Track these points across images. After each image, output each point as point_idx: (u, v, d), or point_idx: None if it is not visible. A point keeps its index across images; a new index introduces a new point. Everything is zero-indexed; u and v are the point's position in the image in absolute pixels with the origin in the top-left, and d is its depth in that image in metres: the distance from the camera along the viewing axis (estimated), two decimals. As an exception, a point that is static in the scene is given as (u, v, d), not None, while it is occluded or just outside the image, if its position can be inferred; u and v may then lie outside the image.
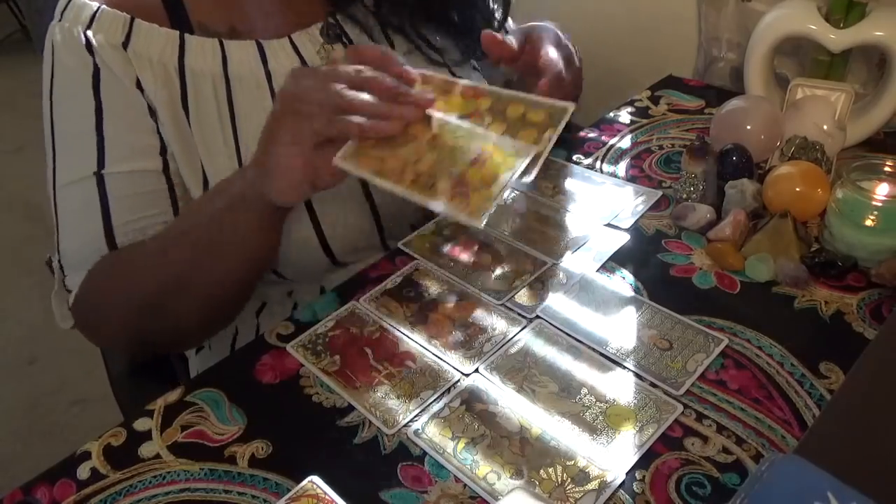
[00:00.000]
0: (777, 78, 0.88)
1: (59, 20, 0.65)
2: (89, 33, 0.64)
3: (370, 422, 0.53)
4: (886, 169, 0.64)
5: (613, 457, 0.48)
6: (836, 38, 0.78)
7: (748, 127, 0.74)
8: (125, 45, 0.64)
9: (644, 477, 0.47)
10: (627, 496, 0.46)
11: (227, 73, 0.67)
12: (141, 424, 0.54)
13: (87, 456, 0.52)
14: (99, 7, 0.65)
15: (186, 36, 0.66)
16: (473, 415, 0.52)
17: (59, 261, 0.67)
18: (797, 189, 0.66)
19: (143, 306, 0.63)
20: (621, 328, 0.58)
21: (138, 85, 0.65)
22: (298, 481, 0.48)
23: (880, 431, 0.44)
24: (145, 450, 0.52)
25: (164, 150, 0.66)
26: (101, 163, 0.63)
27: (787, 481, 0.40)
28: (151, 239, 0.64)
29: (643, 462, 0.48)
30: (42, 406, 1.69)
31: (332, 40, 0.71)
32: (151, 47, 0.65)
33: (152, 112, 0.65)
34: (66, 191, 0.65)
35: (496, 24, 0.79)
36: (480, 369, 0.56)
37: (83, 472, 0.51)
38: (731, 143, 0.72)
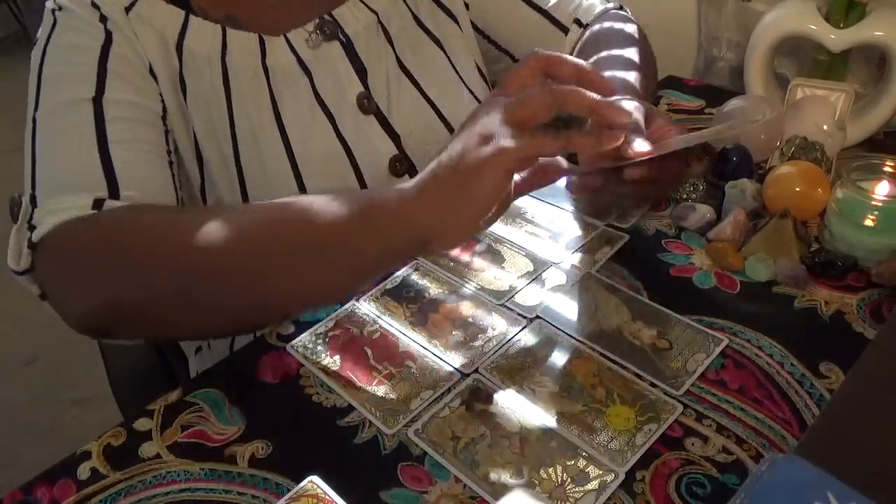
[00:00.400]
0: (777, 77, 0.88)
1: None
2: None
3: (370, 422, 0.53)
4: (886, 169, 0.64)
5: (613, 457, 0.48)
6: (835, 38, 0.78)
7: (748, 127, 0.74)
8: (128, 10, 0.64)
9: (644, 477, 0.47)
10: (627, 496, 0.46)
11: (223, 60, 0.67)
12: (141, 424, 0.54)
13: (87, 456, 0.52)
14: None
15: (191, 16, 0.66)
16: (473, 415, 0.52)
17: (33, 193, 0.58)
18: (797, 189, 0.66)
19: (167, 283, 0.53)
20: (621, 328, 0.58)
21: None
22: (298, 481, 0.48)
23: (880, 431, 0.44)
24: (145, 450, 0.52)
25: (162, 99, 0.66)
26: (100, 90, 0.61)
27: (787, 481, 0.40)
28: (218, 214, 0.54)
29: (643, 462, 0.48)
30: (42, 406, 1.69)
31: (328, 38, 0.71)
32: (154, 19, 0.65)
33: (152, 72, 0.65)
34: (54, 113, 0.61)
35: None
36: (480, 369, 0.56)
37: (83, 472, 0.51)
38: (731, 143, 0.72)
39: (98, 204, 0.57)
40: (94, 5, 0.64)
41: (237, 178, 0.69)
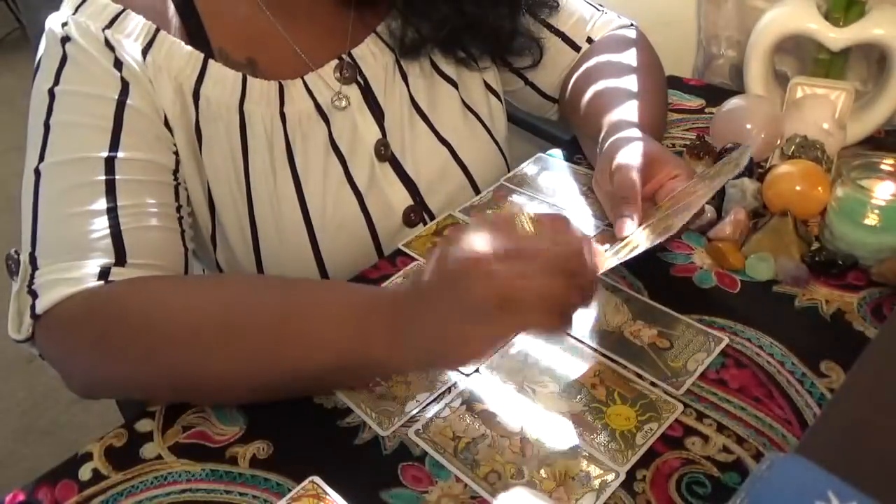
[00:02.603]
0: (777, 76, 0.88)
1: (74, 13, 0.61)
2: (108, 32, 0.61)
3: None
4: (887, 167, 0.64)
5: (613, 456, 0.48)
6: (835, 37, 0.78)
7: (748, 126, 0.74)
8: (145, 52, 0.62)
9: (644, 476, 0.47)
10: (628, 496, 0.46)
11: (241, 108, 0.65)
12: (142, 425, 0.54)
13: (88, 457, 0.52)
14: (124, 9, 0.62)
15: (210, 61, 0.64)
16: (473, 415, 0.52)
17: (33, 252, 0.56)
18: (797, 188, 0.66)
19: (148, 371, 0.54)
20: (621, 328, 0.58)
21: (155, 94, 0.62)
22: (299, 482, 0.48)
23: (881, 430, 0.44)
24: (147, 450, 0.52)
25: (177, 152, 0.64)
26: (114, 149, 0.59)
27: (788, 480, 0.40)
28: (207, 299, 0.54)
29: (643, 461, 0.48)
30: (42, 405, 1.69)
31: (347, 81, 0.70)
32: (172, 63, 0.62)
33: (166, 121, 0.63)
34: (62, 168, 0.58)
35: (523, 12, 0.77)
36: (480, 369, 0.56)
37: (85, 473, 0.51)
38: (731, 143, 0.72)
39: (104, 273, 0.55)
40: (109, 45, 0.60)
41: (249, 226, 0.67)
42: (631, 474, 0.47)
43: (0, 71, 3.09)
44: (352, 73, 0.70)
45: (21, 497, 0.50)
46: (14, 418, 1.66)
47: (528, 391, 0.53)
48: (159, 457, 0.52)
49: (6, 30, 3.50)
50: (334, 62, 0.70)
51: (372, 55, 0.72)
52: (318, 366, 0.51)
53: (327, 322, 0.50)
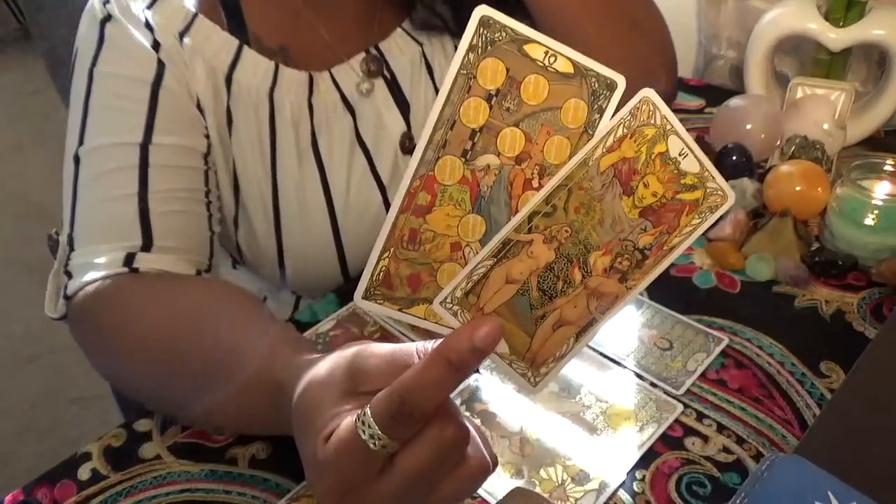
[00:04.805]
0: (777, 77, 0.88)
1: None
2: (148, 13, 0.62)
3: (370, 422, 0.53)
4: (887, 168, 0.64)
5: (613, 457, 0.48)
6: (835, 37, 0.78)
7: (748, 126, 0.74)
8: (182, 35, 0.63)
9: (644, 477, 0.47)
10: (627, 496, 0.46)
11: (272, 96, 0.66)
12: (141, 425, 0.54)
13: (87, 457, 0.52)
14: None
15: (244, 48, 0.65)
16: (473, 415, 0.52)
17: (71, 233, 0.59)
18: (797, 188, 0.66)
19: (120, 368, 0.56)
20: (621, 328, 0.58)
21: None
22: (299, 481, 0.48)
23: (881, 431, 0.45)
24: (146, 450, 0.52)
25: (207, 135, 0.65)
26: (148, 134, 0.61)
27: (788, 480, 0.40)
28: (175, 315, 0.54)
29: (643, 462, 0.48)
30: (42, 405, 1.69)
31: (374, 74, 0.70)
32: (207, 47, 0.64)
33: (199, 104, 0.64)
34: (100, 154, 0.60)
35: None
36: (481, 369, 0.56)
37: (84, 472, 0.51)
38: (731, 143, 0.72)
39: (130, 258, 0.57)
40: (148, 26, 0.62)
41: (273, 209, 0.68)
42: (631, 474, 0.47)
43: (0, 71, 3.10)
44: (378, 66, 0.71)
45: (20, 497, 0.50)
46: (14, 418, 1.66)
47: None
48: (158, 457, 0.52)
49: (7, 30, 3.51)
50: (362, 55, 0.70)
51: (398, 48, 0.72)
52: (248, 423, 0.50)
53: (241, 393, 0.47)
